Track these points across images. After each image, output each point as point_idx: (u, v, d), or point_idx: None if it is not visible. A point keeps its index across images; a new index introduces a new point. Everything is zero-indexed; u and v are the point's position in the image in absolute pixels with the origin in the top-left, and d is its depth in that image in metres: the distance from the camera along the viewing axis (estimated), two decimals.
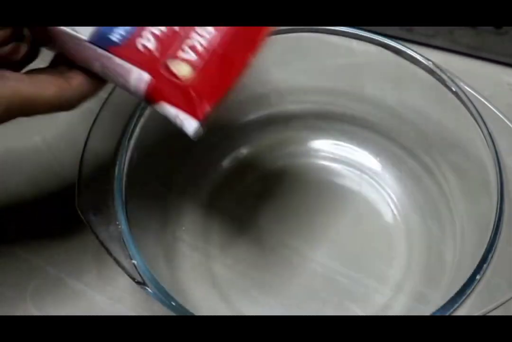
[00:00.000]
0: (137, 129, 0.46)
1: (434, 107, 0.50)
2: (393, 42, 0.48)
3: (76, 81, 0.35)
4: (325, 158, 0.56)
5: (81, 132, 0.45)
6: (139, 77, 0.34)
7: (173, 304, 0.39)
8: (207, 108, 0.34)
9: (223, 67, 0.35)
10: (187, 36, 0.35)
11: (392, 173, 0.55)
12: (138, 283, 0.40)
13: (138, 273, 0.40)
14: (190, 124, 0.35)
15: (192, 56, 0.34)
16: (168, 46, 0.34)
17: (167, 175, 0.53)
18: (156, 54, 0.34)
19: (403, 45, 0.48)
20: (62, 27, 0.34)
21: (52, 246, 0.52)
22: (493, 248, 0.40)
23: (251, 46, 0.35)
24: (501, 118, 0.45)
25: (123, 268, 0.41)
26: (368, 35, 0.48)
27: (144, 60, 0.34)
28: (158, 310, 0.48)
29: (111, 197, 0.43)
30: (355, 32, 0.48)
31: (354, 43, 0.49)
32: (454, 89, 0.46)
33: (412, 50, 0.48)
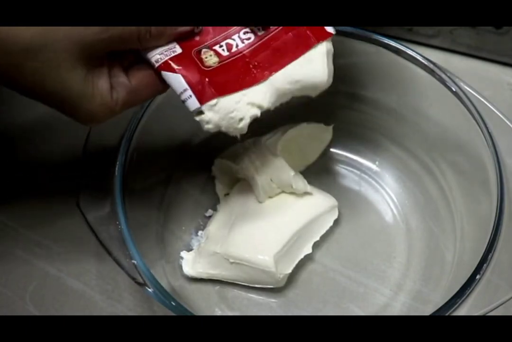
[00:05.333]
0: (137, 130, 0.46)
1: (434, 108, 0.50)
2: (393, 42, 0.48)
3: None
4: (325, 158, 0.56)
5: (82, 132, 0.45)
6: (173, 48, 0.39)
7: (173, 304, 0.39)
8: (211, 98, 0.38)
9: (241, 71, 0.39)
10: (230, 36, 0.40)
11: (392, 173, 0.55)
12: (138, 283, 0.40)
13: (138, 273, 0.40)
14: (192, 103, 0.39)
15: (224, 52, 0.39)
16: (209, 37, 0.39)
17: (167, 175, 0.53)
18: (197, 38, 0.39)
19: (403, 45, 0.48)
20: None
21: (52, 246, 0.52)
22: (493, 248, 0.40)
23: (275, 67, 0.40)
24: (501, 118, 0.45)
25: (123, 268, 0.41)
26: (368, 35, 0.48)
27: (184, 38, 0.39)
28: (158, 310, 0.48)
29: (111, 197, 0.43)
30: (355, 32, 0.48)
31: (354, 43, 0.49)
32: (454, 89, 0.46)
33: (412, 50, 0.48)
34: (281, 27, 0.40)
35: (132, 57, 0.39)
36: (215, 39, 0.39)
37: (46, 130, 0.58)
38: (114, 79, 0.38)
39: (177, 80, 0.39)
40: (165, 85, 0.39)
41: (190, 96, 0.38)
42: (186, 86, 0.39)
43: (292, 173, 0.49)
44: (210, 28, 0.40)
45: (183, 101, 0.39)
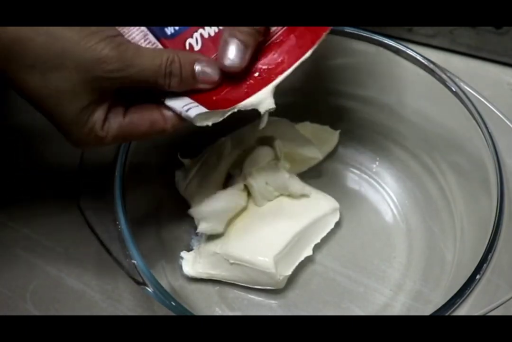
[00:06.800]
0: None
1: (434, 107, 0.50)
2: (393, 42, 0.48)
3: (169, 115, 0.39)
4: (325, 158, 0.56)
5: None
6: None
7: (173, 304, 0.39)
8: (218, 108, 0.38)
9: (245, 80, 0.40)
10: None
11: (392, 173, 0.55)
12: (138, 283, 0.40)
13: (138, 273, 0.40)
14: (197, 110, 0.38)
15: None
16: (209, 52, 0.40)
17: (167, 175, 0.53)
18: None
19: (403, 45, 0.48)
20: None
21: (52, 246, 0.52)
22: (493, 248, 0.40)
23: (279, 69, 0.40)
24: (501, 118, 0.45)
25: (123, 268, 0.41)
26: (368, 35, 0.48)
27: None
28: (158, 310, 0.48)
29: (111, 197, 0.43)
30: (355, 32, 0.48)
31: (354, 43, 0.49)
32: (454, 89, 0.46)
33: (412, 50, 0.48)
34: (281, 31, 0.40)
35: (136, 96, 0.39)
36: (217, 53, 0.39)
37: (46, 130, 0.57)
38: (110, 114, 0.38)
39: (182, 99, 0.39)
40: (165, 128, 0.39)
41: (197, 106, 0.38)
42: (191, 100, 0.39)
43: (287, 175, 0.49)
44: (210, 42, 0.40)
45: (186, 111, 0.38)
